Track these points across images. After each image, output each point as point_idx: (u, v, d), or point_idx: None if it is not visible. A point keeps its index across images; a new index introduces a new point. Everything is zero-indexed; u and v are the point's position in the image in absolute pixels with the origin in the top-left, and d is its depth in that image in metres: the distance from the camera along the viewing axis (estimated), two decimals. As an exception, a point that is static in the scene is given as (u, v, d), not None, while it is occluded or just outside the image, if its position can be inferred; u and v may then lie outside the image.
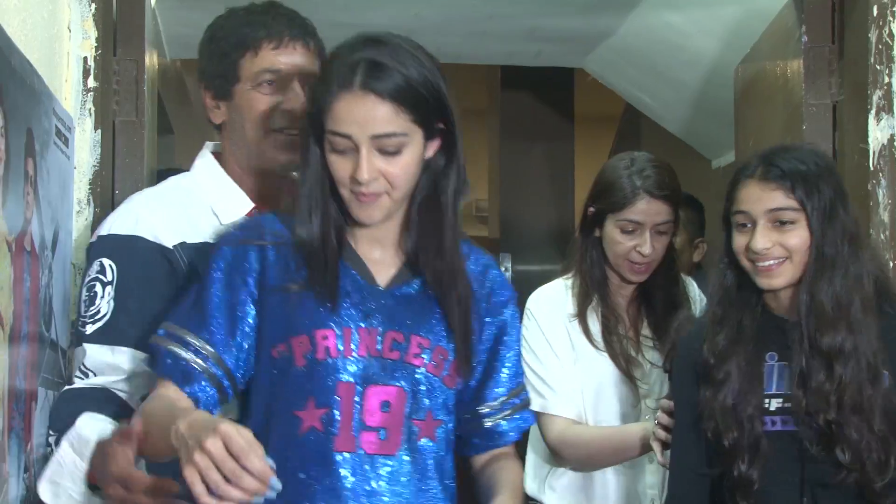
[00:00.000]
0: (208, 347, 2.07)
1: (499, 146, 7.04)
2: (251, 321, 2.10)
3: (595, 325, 2.92)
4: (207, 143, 2.54)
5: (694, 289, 3.10)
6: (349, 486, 2.04)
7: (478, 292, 2.19)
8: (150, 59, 3.10)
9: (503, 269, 5.92)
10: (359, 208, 2.06)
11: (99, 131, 2.81)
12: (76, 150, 2.72)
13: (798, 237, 2.29)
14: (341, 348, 2.06)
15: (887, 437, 2.22)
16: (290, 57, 2.41)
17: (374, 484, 2.06)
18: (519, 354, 2.29)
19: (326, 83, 2.04)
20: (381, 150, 2.02)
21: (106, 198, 2.83)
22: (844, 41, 3.05)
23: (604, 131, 7.41)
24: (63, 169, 2.57)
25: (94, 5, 2.80)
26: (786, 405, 2.28)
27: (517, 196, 6.42)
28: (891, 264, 2.83)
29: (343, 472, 2.04)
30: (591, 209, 2.95)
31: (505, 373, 2.24)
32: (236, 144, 2.45)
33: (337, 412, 2.05)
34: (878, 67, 2.91)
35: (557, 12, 4.42)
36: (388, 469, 2.07)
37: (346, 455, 2.05)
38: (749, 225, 2.31)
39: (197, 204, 2.37)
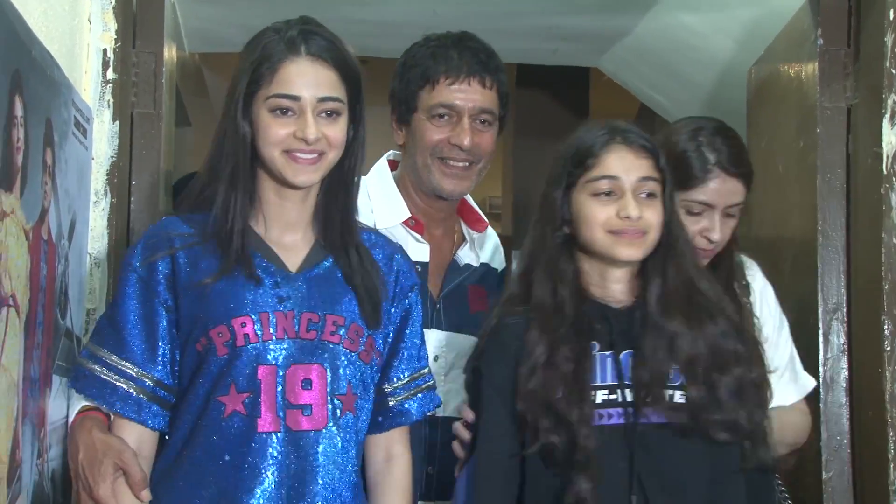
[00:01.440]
0: (128, 364, 2.15)
1: (513, 144, 7.04)
2: (167, 326, 2.16)
3: None
4: (390, 151, 2.73)
5: (755, 273, 2.68)
6: (274, 465, 2.11)
7: (385, 274, 2.28)
8: (169, 52, 3.11)
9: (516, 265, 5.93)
10: (294, 171, 2.15)
11: (117, 123, 2.82)
12: (94, 141, 2.73)
13: (658, 211, 2.26)
14: (259, 333, 2.13)
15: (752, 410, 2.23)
16: (464, 93, 2.57)
17: (306, 461, 2.13)
18: (421, 338, 2.33)
19: (268, 51, 2.14)
20: (323, 112, 2.14)
21: (122, 189, 2.84)
22: (860, 44, 3.04)
23: (618, 131, 7.39)
24: (81, 159, 2.58)
25: (113, -3, 2.81)
26: (612, 397, 2.20)
27: (530, 194, 6.43)
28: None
29: (269, 452, 2.11)
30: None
31: (409, 353, 2.32)
32: (409, 165, 2.64)
33: (259, 395, 2.12)
34: (893, 71, 2.88)
35: (574, 11, 4.41)
36: (322, 446, 2.14)
37: (271, 435, 2.11)
38: (614, 193, 2.23)
39: (363, 205, 2.41)
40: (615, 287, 2.29)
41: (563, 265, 2.27)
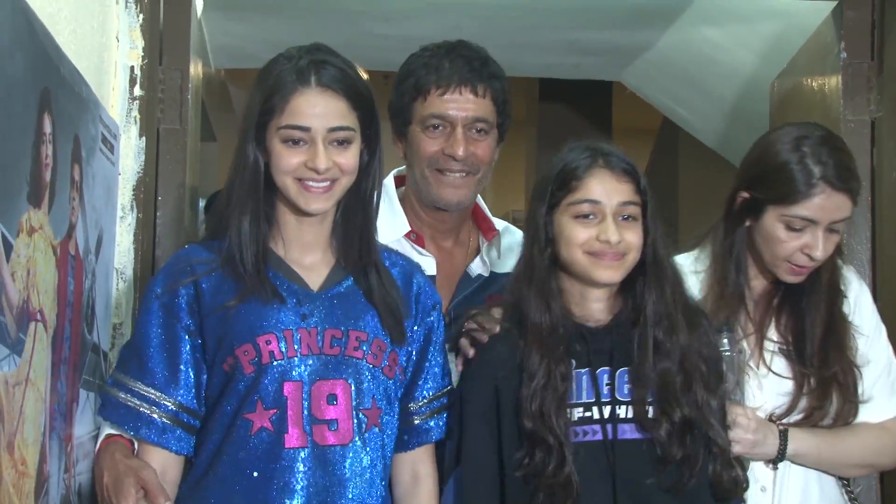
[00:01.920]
0: (150, 389, 2.17)
1: (536, 157, 7.05)
2: (190, 351, 2.18)
3: None
4: (396, 168, 2.71)
5: (850, 279, 2.52)
6: (303, 480, 2.13)
7: (405, 294, 2.29)
8: (195, 69, 3.13)
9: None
10: (307, 199, 2.17)
11: (143, 139, 2.83)
12: (121, 157, 2.74)
13: (638, 233, 2.25)
14: (284, 350, 2.15)
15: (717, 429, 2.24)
16: (456, 103, 2.51)
17: (333, 476, 2.14)
18: (444, 357, 2.34)
19: (278, 82, 2.15)
20: (334, 141, 2.15)
21: (149, 204, 2.85)
22: (884, 57, 3.05)
23: (641, 144, 7.38)
24: (108, 175, 2.59)
25: (141, 16, 2.83)
26: (587, 414, 2.22)
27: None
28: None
29: (297, 467, 2.13)
30: (745, 195, 2.43)
31: (433, 372, 2.33)
32: (411, 178, 2.60)
33: (286, 411, 2.13)
34: (918, 85, 2.91)
35: (596, 26, 4.42)
36: (349, 460, 2.15)
37: (299, 451, 2.13)
38: (594, 216, 2.23)
39: None
40: (594, 306, 2.30)
41: (553, 284, 2.28)
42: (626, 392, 2.24)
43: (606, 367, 2.26)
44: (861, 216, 2.99)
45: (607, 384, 2.25)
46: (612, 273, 2.24)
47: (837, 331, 2.43)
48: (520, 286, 2.30)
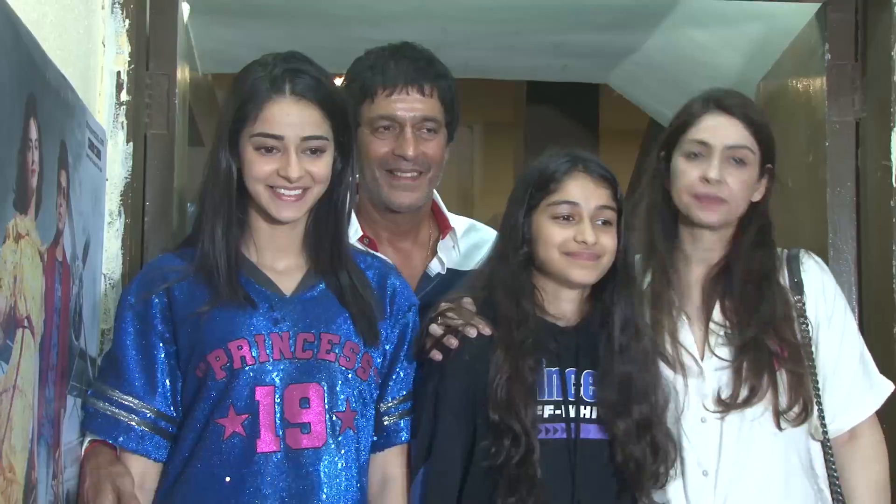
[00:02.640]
0: (129, 398, 2.19)
1: (524, 160, 7.06)
2: (165, 359, 2.20)
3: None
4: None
5: (810, 268, 2.50)
6: (274, 482, 2.14)
7: (380, 295, 2.30)
8: (182, 74, 3.13)
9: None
10: (278, 207, 2.19)
11: (131, 144, 2.83)
12: (108, 163, 2.73)
13: (613, 238, 2.32)
14: (256, 355, 2.16)
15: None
16: (403, 103, 2.52)
17: (307, 479, 2.15)
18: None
19: (252, 90, 2.16)
20: (307, 150, 2.16)
21: (137, 209, 2.85)
22: (867, 58, 3.06)
23: (628, 145, 7.39)
24: (95, 181, 2.59)
25: (128, 21, 2.82)
26: (557, 412, 2.28)
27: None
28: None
29: (269, 471, 2.14)
30: (661, 154, 2.51)
31: (406, 373, 2.34)
32: (362, 181, 2.58)
33: (258, 416, 2.14)
34: (901, 86, 2.92)
35: (583, 28, 4.42)
36: (323, 463, 2.16)
37: (272, 455, 2.14)
38: (572, 218, 2.30)
39: None
40: (566, 306, 2.37)
41: (524, 282, 2.34)
42: (590, 393, 2.31)
43: (573, 368, 2.32)
44: (846, 216, 3.02)
45: (574, 384, 2.32)
46: (586, 273, 2.31)
47: (760, 289, 2.43)
48: (492, 282, 2.35)
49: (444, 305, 2.36)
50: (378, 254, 2.53)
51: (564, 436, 2.27)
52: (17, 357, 1.97)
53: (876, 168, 2.95)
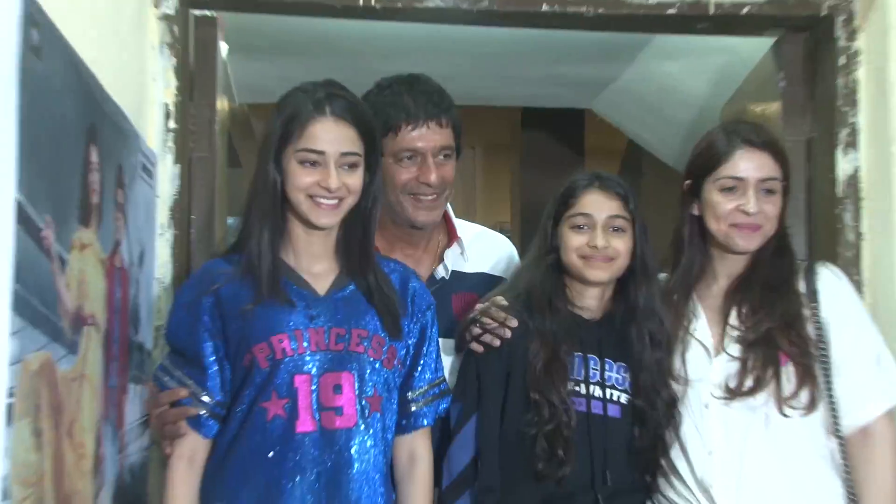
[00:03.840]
0: (191, 383, 2.18)
1: (520, 176, 7.07)
2: (213, 350, 2.18)
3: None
4: None
5: (826, 278, 2.41)
6: (312, 458, 2.13)
7: (402, 296, 2.30)
8: (222, 104, 3.14)
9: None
10: (318, 214, 2.19)
11: (178, 166, 2.84)
12: (159, 182, 2.76)
13: (626, 242, 2.38)
14: (294, 347, 2.15)
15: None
16: (424, 136, 2.49)
17: (340, 455, 2.14)
18: (437, 352, 2.36)
19: (297, 110, 2.17)
20: (344, 164, 2.17)
21: (183, 222, 2.87)
22: (816, 86, 3.06)
23: (610, 163, 7.38)
24: (148, 198, 2.61)
25: (174, 59, 2.84)
26: (576, 389, 2.34)
27: (536, 219, 6.44)
28: (854, 278, 2.82)
29: (306, 448, 2.14)
30: (688, 182, 2.46)
31: (426, 364, 2.33)
32: (385, 201, 2.50)
33: (296, 400, 2.14)
34: (844, 109, 2.92)
35: (570, 61, 4.43)
36: (353, 441, 2.16)
37: (309, 434, 2.14)
38: (586, 227, 2.38)
39: None
40: (590, 302, 2.43)
41: (555, 282, 2.41)
42: (609, 379, 2.37)
43: (595, 355, 2.38)
44: (799, 222, 2.99)
45: (594, 368, 2.37)
46: (600, 273, 2.37)
47: (777, 295, 2.38)
48: (530, 283, 2.42)
49: (480, 307, 2.43)
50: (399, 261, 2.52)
51: (584, 409, 2.34)
52: (84, 350, 2.00)
53: (823, 181, 2.96)
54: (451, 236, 2.67)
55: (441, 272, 2.61)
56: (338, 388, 2.16)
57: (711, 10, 2.95)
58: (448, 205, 2.67)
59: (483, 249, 2.71)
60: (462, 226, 2.71)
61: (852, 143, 2.92)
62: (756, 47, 3.34)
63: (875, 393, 2.35)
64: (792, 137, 3.02)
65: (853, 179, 2.92)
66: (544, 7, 2.95)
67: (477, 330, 2.39)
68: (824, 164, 2.97)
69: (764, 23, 3.05)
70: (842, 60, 2.93)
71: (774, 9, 2.97)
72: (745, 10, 2.96)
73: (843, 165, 2.92)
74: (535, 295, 2.40)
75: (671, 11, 2.96)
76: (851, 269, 2.84)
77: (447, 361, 2.47)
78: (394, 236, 2.59)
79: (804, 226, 3.02)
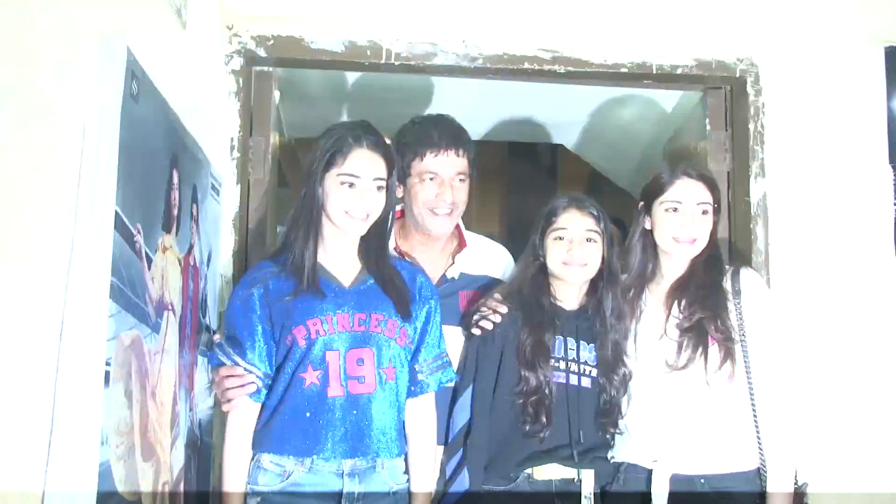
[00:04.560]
0: (244, 362, 2.18)
1: (507, 197, 7.06)
2: (262, 331, 2.19)
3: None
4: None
5: (749, 282, 2.42)
6: (340, 417, 2.14)
7: (411, 288, 2.29)
8: (274, 138, 3.13)
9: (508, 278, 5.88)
10: (352, 227, 2.20)
11: (239, 186, 2.85)
12: (224, 199, 2.76)
13: (597, 251, 2.39)
14: (326, 329, 2.15)
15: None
16: (444, 162, 2.48)
17: (363, 414, 2.15)
18: (440, 332, 2.34)
19: (340, 143, 2.17)
20: (374, 187, 2.18)
21: (242, 231, 2.85)
22: (735, 128, 3.06)
23: (577, 187, 7.38)
24: (215, 211, 2.62)
25: (239, 104, 2.85)
26: (556, 364, 2.35)
27: (519, 229, 6.45)
28: (765, 276, 2.82)
29: (336, 409, 2.14)
30: (641, 203, 2.49)
31: (430, 342, 2.32)
32: (408, 213, 2.54)
33: (327, 371, 2.14)
34: (755, 148, 2.93)
35: (546, 107, 4.43)
36: (374, 404, 2.16)
37: (338, 398, 2.14)
38: (565, 239, 2.39)
39: None
40: (568, 297, 2.46)
41: (541, 282, 2.41)
42: (584, 357, 2.40)
43: (572, 338, 2.40)
44: (721, 235, 2.97)
45: (571, 348, 2.39)
46: (575, 276, 2.41)
47: (707, 292, 2.39)
48: (521, 283, 2.44)
49: (481, 301, 2.46)
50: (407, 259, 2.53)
51: (564, 381, 2.35)
52: (165, 330, 2.01)
53: (741, 202, 2.97)
54: (461, 244, 2.66)
55: (452, 273, 2.60)
56: (360, 361, 2.16)
57: (654, 70, 2.97)
58: (460, 220, 2.67)
59: (487, 256, 2.69)
60: (470, 236, 2.70)
61: (761, 174, 2.93)
62: (689, 99, 3.35)
63: (772, 364, 2.39)
64: (716, 168, 3.01)
65: (763, 201, 2.92)
66: (525, 65, 2.96)
67: (476, 316, 2.41)
68: (741, 190, 2.98)
69: (693, 80, 3.06)
70: (752, 110, 2.95)
71: (701, 70, 2.98)
72: (679, 70, 2.98)
73: (756, 190, 2.93)
74: (524, 292, 2.41)
75: (624, 70, 2.97)
76: (762, 270, 2.85)
77: (453, 343, 2.47)
78: (416, 241, 2.59)
79: (726, 239, 3.02)
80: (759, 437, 2.35)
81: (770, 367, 2.39)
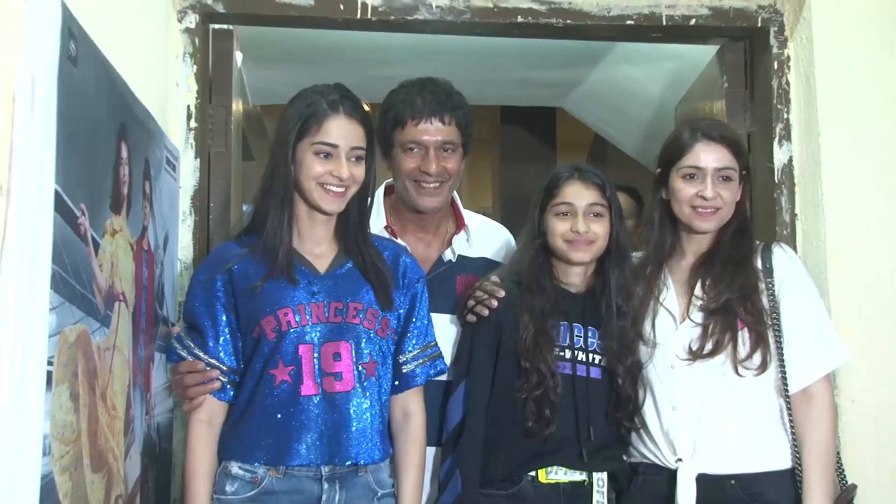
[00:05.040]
0: (205, 355, 2.16)
1: (500, 167, 7.05)
2: (226, 322, 2.17)
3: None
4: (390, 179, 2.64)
5: (780, 257, 2.41)
6: (315, 418, 2.12)
7: (393, 270, 2.28)
8: (237, 106, 3.13)
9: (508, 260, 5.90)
10: (326, 201, 2.18)
11: (198, 160, 2.83)
12: (181, 174, 2.75)
13: (604, 226, 2.37)
14: (298, 320, 2.14)
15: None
16: (428, 131, 2.48)
17: (341, 415, 2.13)
18: (428, 319, 2.34)
19: (314, 108, 2.16)
20: (353, 157, 2.17)
21: (202, 210, 2.85)
22: (755, 87, 3.05)
23: (578, 155, 7.38)
24: (171, 189, 2.60)
25: (195, 66, 2.83)
26: (561, 354, 2.34)
27: (513, 205, 6.44)
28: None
29: (310, 410, 2.12)
30: (658, 171, 2.46)
31: (419, 330, 2.31)
32: (397, 189, 2.56)
33: (301, 367, 2.12)
34: (779, 107, 2.92)
35: (542, 66, 4.42)
36: (352, 403, 2.14)
37: (312, 397, 2.12)
38: (569, 214, 2.37)
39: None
40: (574, 278, 2.42)
41: (543, 262, 2.39)
42: (592, 344, 2.37)
43: (579, 324, 2.38)
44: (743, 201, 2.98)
45: (578, 335, 2.37)
46: (582, 255, 2.37)
47: (736, 270, 2.37)
48: (521, 264, 2.42)
49: (476, 284, 2.43)
50: (395, 239, 2.51)
51: (570, 372, 2.33)
52: (116, 323, 1.99)
53: (763, 169, 2.95)
54: (459, 224, 2.65)
55: (448, 255, 2.59)
56: (337, 356, 2.14)
57: (664, 22, 2.94)
58: (456, 196, 2.66)
59: (486, 237, 2.69)
60: (469, 216, 2.70)
61: (786, 136, 2.92)
62: (703, 54, 3.33)
63: (816, 359, 2.36)
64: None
65: (788, 168, 2.91)
66: (519, 19, 2.93)
67: (471, 302, 2.39)
68: (763, 155, 2.96)
69: (709, 33, 3.04)
70: (775, 65, 2.93)
71: (717, 20, 2.96)
72: (692, 22, 2.95)
73: (779, 156, 2.92)
74: (524, 274, 2.39)
75: (629, 22, 2.94)
76: (786, 245, 2.82)
77: (449, 333, 2.47)
78: (407, 220, 2.59)
79: (746, 207, 3.01)
80: (792, 433, 2.33)
81: (812, 357, 2.36)
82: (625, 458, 2.41)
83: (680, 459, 2.32)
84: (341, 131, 2.16)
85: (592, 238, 2.36)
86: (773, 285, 2.37)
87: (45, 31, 1.60)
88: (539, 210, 2.42)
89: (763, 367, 2.32)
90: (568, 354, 2.34)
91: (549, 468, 2.30)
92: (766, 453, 2.33)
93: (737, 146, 2.42)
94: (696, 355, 2.33)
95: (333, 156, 2.15)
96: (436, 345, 2.35)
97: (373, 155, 2.24)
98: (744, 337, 2.33)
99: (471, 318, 2.39)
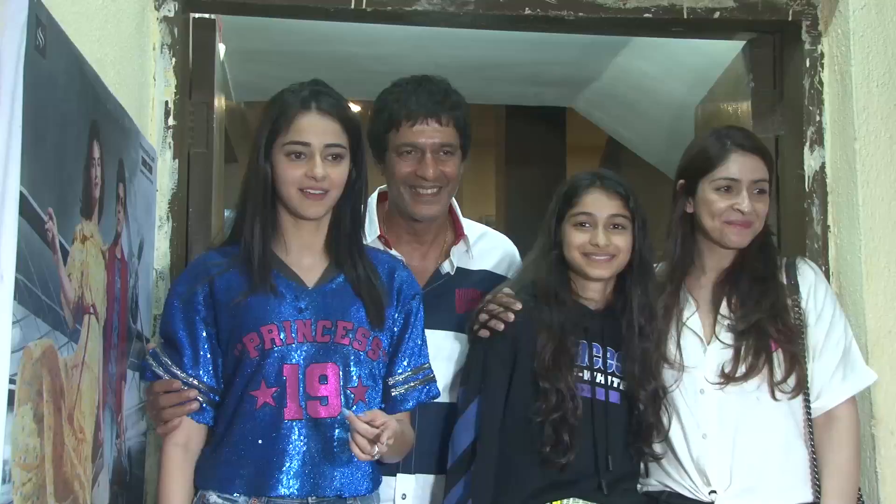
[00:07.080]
0: (181, 373, 2.16)
1: (504, 171, 7.07)
2: (207, 338, 2.17)
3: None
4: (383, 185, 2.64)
5: (806, 274, 2.46)
6: (299, 446, 2.12)
7: (388, 286, 2.27)
8: (219, 102, 3.12)
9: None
10: (306, 205, 2.18)
11: (176, 161, 2.82)
12: (158, 176, 2.74)
13: (626, 240, 2.36)
14: (283, 338, 2.14)
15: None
16: (424, 133, 2.46)
17: (325, 442, 2.12)
18: (422, 339, 2.33)
19: (284, 107, 2.17)
20: (329, 156, 2.16)
21: (181, 215, 2.85)
22: (784, 86, 3.05)
23: (590, 159, 7.41)
24: (147, 192, 2.59)
25: (174, 59, 2.82)
26: (580, 375, 2.32)
27: (518, 213, 6.45)
28: (822, 268, 2.81)
29: (293, 436, 2.12)
30: (681, 182, 2.48)
31: (411, 351, 2.30)
32: (391, 194, 2.56)
33: (285, 389, 2.12)
34: (810, 108, 2.92)
35: (552, 61, 4.43)
36: (338, 430, 2.13)
37: (296, 422, 2.12)
38: (588, 225, 2.35)
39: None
40: (593, 294, 2.41)
41: (559, 275, 2.38)
42: (611, 366, 2.36)
43: (598, 343, 2.37)
44: (770, 215, 2.98)
45: (597, 356, 2.36)
46: (601, 271, 2.36)
47: (765, 287, 2.40)
48: (535, 276, 2.41)
49: (488, 297, 2.41)
50: (389, 250, 2.51)
51: (588, 395, 2.32)
52: (85, 338, 1.98)
53: (792, 176, 2.95)
54: (458, 234, 2.65)
55: (447, 268, 2.59)
56: (323, 379, 2.14)
57: (685, 14, 2.94)
58: (455, 204, 2.66)
59: (487, 249, 2.68)
60: (469, 225, 2.69)
61: (818, 141, 2.92)
62: (727, 49, 3.33)
63: (840, 383, 2.40)
64: (761, 135, 2.98)
65: (820, 175, 2.91)
66: (527, 10, 2.93)
67: (484, 316, 2.38)
68: (792, 161, 2.96)
69: (734, 26, 3.05)
70: (808, 63, 2.93)
71: (744, 13, 2.96)
72: (716, 15, 2.95)
73: (810, 162, 2.92)
74: (540, 287, 2.38)
75: (647, 15, 2.95)
76: (818, 259, 2.83)
77: (447, 352, 2.46)
78: (402, 230, 2.58)
79: (773, 219, 3.00)
80: (814, 463, 2.35)
81: (837, 378, 2.39)
82: (639, 486, 2.42)
83: (714, 491, 2.33)
84: (313, 128, 2.16)
85: (613, 252, 2.35)
86: (800, 302, 2.41)
87: (10, 19, 1.60)
88: (556, 219, 2.42)
89: (799, 389, 2.35)
90: (587, 376, 2.33)
91: (566, 500, 2.29)
92: (793, 484, 2.35)
93: (769, 157, 2.46)
94: (728, 379, 2.35)
95: (306, 155, 2.16)
96: (429, 367, 2.33)
97: (360, 155, 2.24)
98: (778, 358, 2.36)
99: (484, 333, 2.37)
